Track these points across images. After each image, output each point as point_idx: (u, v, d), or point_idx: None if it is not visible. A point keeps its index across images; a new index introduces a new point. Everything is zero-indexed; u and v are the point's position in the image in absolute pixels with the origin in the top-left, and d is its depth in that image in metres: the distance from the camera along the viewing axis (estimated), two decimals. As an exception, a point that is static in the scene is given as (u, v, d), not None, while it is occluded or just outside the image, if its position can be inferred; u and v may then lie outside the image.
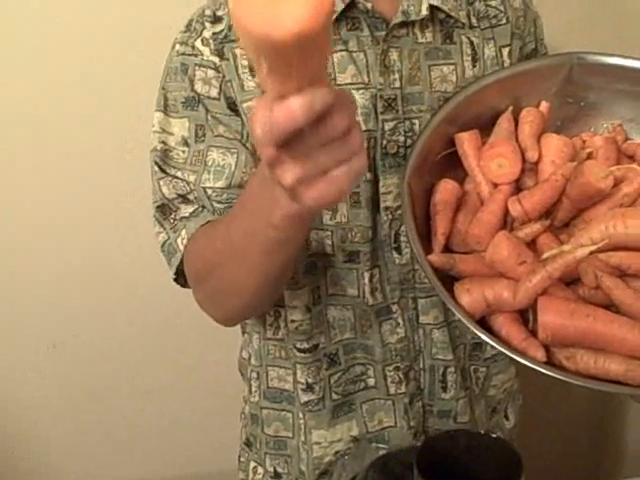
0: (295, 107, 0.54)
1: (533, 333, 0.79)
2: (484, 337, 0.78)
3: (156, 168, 0.94)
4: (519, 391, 1.16)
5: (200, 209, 0.93)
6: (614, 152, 0.91)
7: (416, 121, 0.93)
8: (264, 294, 0.91)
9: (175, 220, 0.94)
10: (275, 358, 1.05)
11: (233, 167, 0.92)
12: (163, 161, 0.94)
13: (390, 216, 0.95)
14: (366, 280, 0.97)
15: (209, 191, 0.92)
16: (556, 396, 1.60)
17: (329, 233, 0.96)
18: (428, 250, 0.85)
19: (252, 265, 0.81)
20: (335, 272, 0.98)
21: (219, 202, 0.92)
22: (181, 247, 0.93)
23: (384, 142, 0.93)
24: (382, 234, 0.96)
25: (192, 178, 0.93)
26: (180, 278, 0.97)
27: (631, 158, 0.91)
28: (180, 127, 0.93)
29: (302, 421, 1.05)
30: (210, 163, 0.92)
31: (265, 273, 0.82)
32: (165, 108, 0.94)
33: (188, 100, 0.93)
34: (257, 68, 0.55)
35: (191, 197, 0.93)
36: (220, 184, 0.92)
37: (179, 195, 0.94)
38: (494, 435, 0.88)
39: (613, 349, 0.75)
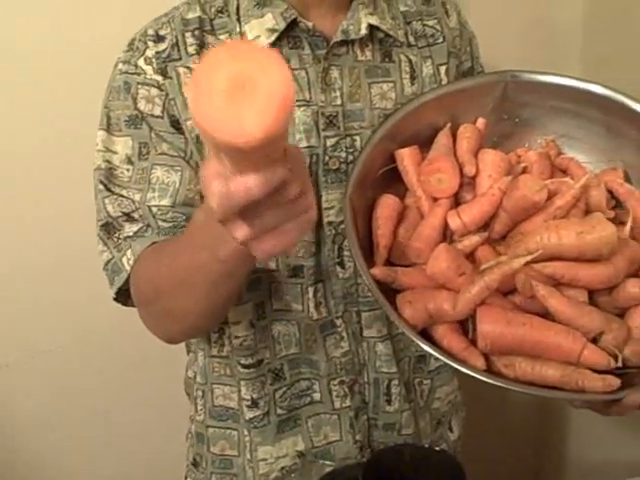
0: (252, 184, 0.55)
1: (473, 342, 0.81)
2: (426, 347, 0.79)
3: (101, 187, 0.94)
4: (462, 403, 1.18)
5: (145, 228, 0.93)
6: (548, 166, 0.94)
7: (357, 137, 0.95)
8: (209, 319, 0.92)
9: (119, 239, 0.94)
10: (220, 376, 1.05)
11: (177, 184, 0.92)
12: (108, 179, 0.94)
13: (333, 231, 0.96)
14: (310, 295, 0.98)
15: (154, 209, 0.92)
16: (499, 407, 1.63)
17: None
18: (370, 264, 0.87)
19: (197, 295, 0.82)
20: (279, 287, 0.99)
21: (164, 220, 0.92)
22: (127, 267, 0.92)
23: (326, 158, 0.94)
24: (325, 249, 0.97)
25: (137, 197, 0.93)
26: (121, 297, 0.96)
27: (564, 172, 0.95)
28: (123, 145, 0.93)
29: (248, 438, 1.05)
30: (154, 181, 0.92)
31: (210, 302, 0.84)
32: (108, 127, 0.94)
33: (131, 118, 0.93)
34: (211, 150, 0.56)
35: (136, 215, 0.93)
36: (165, 202, 0.92)
37: (124, 213, 0.93)
38: (437, 448, 0.89)
39: (549, 356, 0.77)
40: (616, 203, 0.92)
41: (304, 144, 0.93)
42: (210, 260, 0.73)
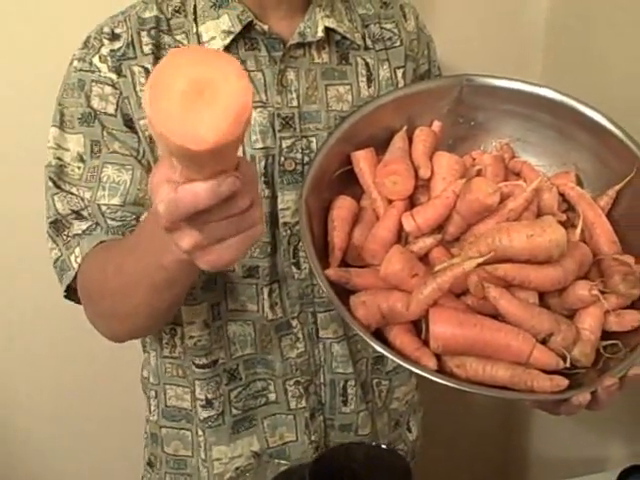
0: (200, 192, 0.56)
1: (426, 343, 0.82)
2: (379, 348, 0.80)
3: (50, 184, 0.94)
4: (420, 403, 1.19)
5: (94, 226, 0.92)
6: (502, 169, 0.95)
7: (313, 139, 0.96)
8: (153, 321, 0.92)
9: (68, 237, 0.93)
10: (172, 376, 1.05)
11: (128, 184, 0.92)
12: (58, 177, 0.93)
13: (289, 232, 0.97)
14: (265, 295, 0.98)
15: (104, 207, 0.92)
16: (462, 407, 1.64)
17: None
18: (326, 265, 0.87)
19: (140, 298, 0.82)
20: (234, 287, 0.99)
21: (113, 219, 0.92)
22: (75, 265, 0.92)
23: (282, 159, 0.94)
24: (281, 249, 0.97)
25: (87, 195, 0.92)
26: (72, 295, 0.96)
27: (517, 175, 0.96)
28: (75, 143, 0.93)
29: (202, 438, 1.05)
30: (105, 180, 0.92)
31: (153, 307, 0.84)
32: (61, 124, 0.93)
33: (84, 116, 0.92)
34: (163, 154, 0.56)
35: (85, 213, 0.93)
36: (115, 201, 0.92)
37: (73, 211, 0.93)
38: (384, 446, 0.90)
39: (499, 356, 0.78)
40: (568, 206, 0.93)
41: (260, 145, 0.93)
42: (154, 266, 0.73)
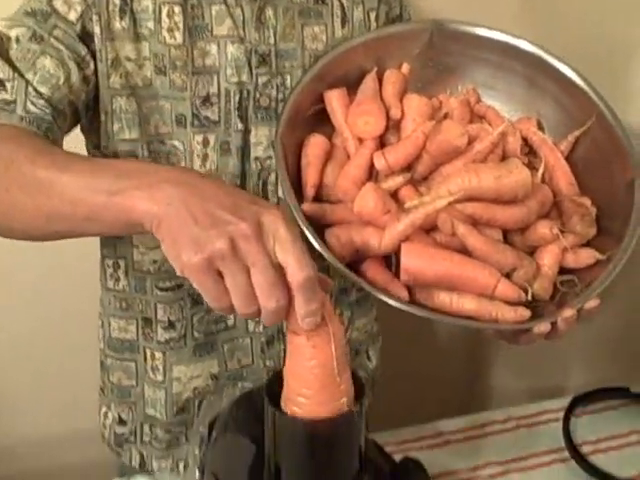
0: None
1: (396, 276, 0.86)
2: (354, 278, 0.83)
3: None
4: (378, 333, 1.24)
5: (11, 103, 0.85)
6: (468, 113, 0.99)
7: (288, 77, 0.98)
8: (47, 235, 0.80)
9: None
10: (116, 309, 1.07)
11: (62, 81, 0.88)
12: None
13: (259, 166, 0.99)
14: None
15: (30, 88, 0.86)
16: (425, 340, 1.70)
17: None
18: (299, 201, 0.90)
19: (39, 211, 0.73)
20: None
21: (34, 104, 0.86)
22: None
23: (257, 95, 0.96)
24: (251, 183, 0.99)
25: (19, 68, 0.87)
26: None
27: (482, 119, 1.00)
28: (18, 30, 0.88)
29: (160, 361, 1.06)
30: (39, 66, 0.87)
31: (69, 228, 0.75)
32: (14, 14, 0.90)
33: (39, 12, 0.88)
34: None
35: (8, 85, 0.86)
36: (43, 89, 0.87)
37: None
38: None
39: (467, 289, 0.83)
40: (529, 150, 0.98)
41: (235, 79, 0.95)
42: (95, 208, 0.67)
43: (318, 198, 0.93)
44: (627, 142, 0.93)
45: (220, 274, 0.62)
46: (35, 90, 0.86)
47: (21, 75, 0.87)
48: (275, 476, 0.73)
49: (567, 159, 0.96)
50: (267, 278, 0.61)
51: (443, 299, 0.84)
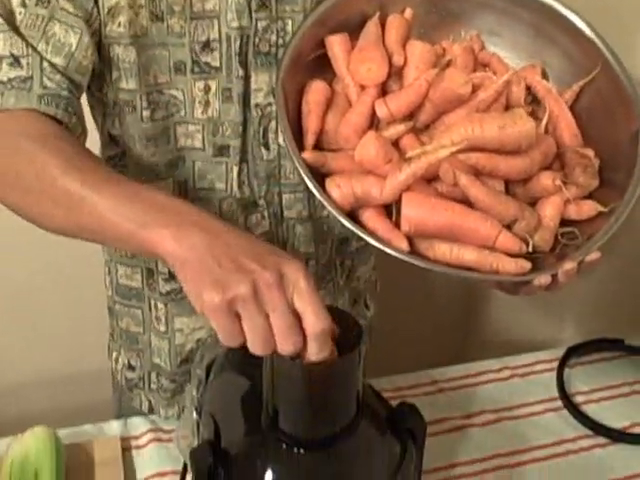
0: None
1: (396, 226, 0.85)
2: (353, 228, 0.82)
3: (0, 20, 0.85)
4: (377, 281, 1.25)
5: (28, 80, 0.83)
6: (471, 61, 0.96)
7: (289, 21, 0.95)
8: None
9: None
10: (121, 256, 1.07)
11: (74, 47, 0.86)
12: (8, 16, 0.85)
13: (260, 113, 0.97)
14: (235, 174, 1.00)
15: (45, 63, 0.85)
16: (424, 290, 1.71)
17: (200, 127, 0.97)
18: (299, 148, 0.89)
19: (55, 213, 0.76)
20: (203, 166, 1.00)
21: (50, 80, 0.84)
22: None
23: (257, 40, 0.94)
24: (252, 130, 0.98)
25: (30, 39, 0.85)
26: None
27: (486, 67, 0.98)
28: None
29: (162, 312, 1.07)
30: (50, 35, 0.85)
31: (95, 239, 0.79)
32: None
33: None
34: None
35: (24, 62, 0.84)
36: (58, 60, 0.85)
37: (12, 55, 0.84)
38: (336, 307, 0.93)
39: (467, 240, 0.82)
40: (532, 99, 0.97)
41: (235, 24, 0.92)
42: (121, 235, 0.71)
43: (319, 146, 0.92)
44: (633, 92, 0.91)
45: (237, 315, 0.64)
46: (50, 64, 0.85)
47: (34, 48, 0.85)
48: (273, 418, 0.74)
49: (571, 109, 0.95)
50: (286, 322, 0.64)
51: (443, 250, 0.83)
